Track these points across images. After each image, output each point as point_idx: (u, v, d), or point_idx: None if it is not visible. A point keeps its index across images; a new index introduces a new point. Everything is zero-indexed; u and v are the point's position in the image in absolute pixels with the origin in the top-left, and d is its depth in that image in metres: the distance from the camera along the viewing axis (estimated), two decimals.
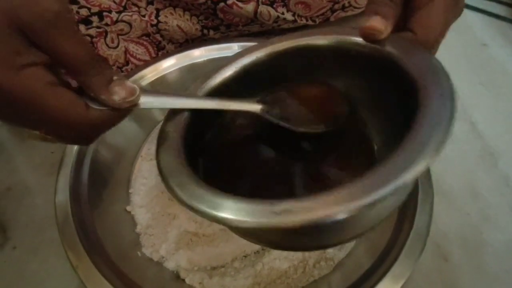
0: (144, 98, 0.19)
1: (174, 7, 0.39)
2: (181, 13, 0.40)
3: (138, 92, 0.18)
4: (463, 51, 0.47)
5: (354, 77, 0.24)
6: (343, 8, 0.44)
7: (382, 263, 0.26)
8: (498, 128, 0.40)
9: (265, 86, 0.25)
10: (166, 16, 0.39)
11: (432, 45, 0.22)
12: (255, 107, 0.23)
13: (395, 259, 0.26)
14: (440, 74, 0.19)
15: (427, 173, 0.29)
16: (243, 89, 0.25)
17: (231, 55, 0.26)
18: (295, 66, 0.25)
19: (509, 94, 0.43)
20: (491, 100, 0.42)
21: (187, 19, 0.40)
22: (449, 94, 0.18)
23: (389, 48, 0.22)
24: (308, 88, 0.25)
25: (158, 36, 0.40)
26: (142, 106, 0.19)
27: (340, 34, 0.24)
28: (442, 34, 0.22)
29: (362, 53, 0.23)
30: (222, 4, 0.37)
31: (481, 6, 0.55)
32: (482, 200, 0.33)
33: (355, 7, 0.45)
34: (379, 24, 0.22)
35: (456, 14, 0.23)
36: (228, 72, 0.25)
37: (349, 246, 0.29)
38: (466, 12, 0.22)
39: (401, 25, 0.23)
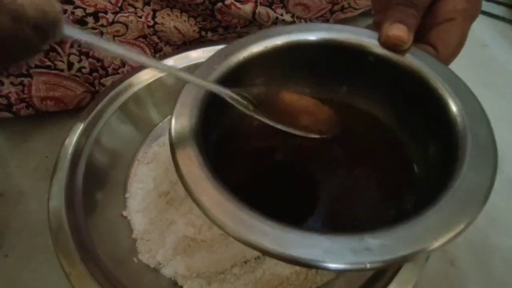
0: (68, 28, 0.14)
1: (171, 8, 0.38)
2: (179, 14, 0.39)
3: (57, 8, 0.13)
4: (464, 51, 0.47)
5: (374, 84, 0.24)
6: (342, 9, 0.44)
7: (387, 269, 0.26)
8: (502, 129, 0.39)
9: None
10: (163, 17, 0.38)
11: (450, 60, 0.22)
12: (223, 91, 0.20)
13: (400, 266, 0.25)
14: (470, 98, 0.20)
15: None
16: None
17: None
18: (313, 62, 0.24)
19: (511, 95, 0.42)
20: (494, 101, 0.41)
21: (185, 21, 0.39)
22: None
23: (413, 61, 0.21)
24: (290, 95, 0.23)
25: (155, 38, 0.39)
26: (64, 31, 0.14)
27: (360, 35, 0.23)
28: (460, 49, 0.22)
29: (381, 61, 0.22)
30: (220, 4, 0.37)
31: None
32: (488, 204, 0.32)
33: (354, 8, 0.44)
34: (405, 34, 0.21)
35: (471, 25, 0.23)
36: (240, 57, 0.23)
37: None
38: None
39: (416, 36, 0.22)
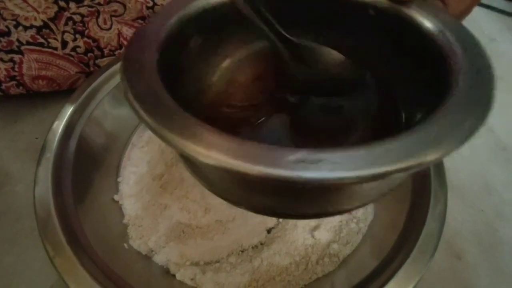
0: None
1: None
2: None
3: None
4: None
5: (372, 37, 0.22)
6: None
7: (391, 261, 0.24)
8: (510, 123, 0.38)
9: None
10: None
11: (460, 17, 0.21)
12: None
13: (406, 258, 0.23)
14: (477, 49, 0.18)
15: (440, 168, 0.27)
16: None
17: None
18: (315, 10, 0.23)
19: None
20: (501, 94, 0.40)
21: None
22: (488, 75, 0.17)
23: (416, 13, 0.20)
24: None
25: None
26: None
27: None
28: (470, 9, 0.21)
29: (383, 14, 0.21)
30: None
31: (487, 2, 0.54)
32: (496, 196, 0.31)
33: None
34: None
35: None
36: None
37: (355, 241, 0.27)
38: None
39: None
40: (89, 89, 0.31)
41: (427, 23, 0.20)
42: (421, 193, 0.27)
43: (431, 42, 0.19)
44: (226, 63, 0.25)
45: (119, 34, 0.36)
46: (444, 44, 0.19)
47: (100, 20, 0.35)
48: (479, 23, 0.50)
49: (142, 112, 0.15)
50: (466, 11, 0.21)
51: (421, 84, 0.21)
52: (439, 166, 0.28)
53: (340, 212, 0.25)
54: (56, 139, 0.28)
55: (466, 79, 0.16)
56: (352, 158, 0.13)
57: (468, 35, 0.19)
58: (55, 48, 0.34)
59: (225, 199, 0.20)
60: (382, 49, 0.22)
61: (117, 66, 0.32)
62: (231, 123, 0.23)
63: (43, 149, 0.27)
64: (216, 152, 0.14)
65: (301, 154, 0.13)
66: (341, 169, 0.13)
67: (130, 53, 0.18)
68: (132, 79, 0.17)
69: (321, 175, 0.13)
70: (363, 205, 0.24)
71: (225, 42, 0.24)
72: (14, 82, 0.34)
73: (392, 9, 0.21)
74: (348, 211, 0.26)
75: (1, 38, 0.32)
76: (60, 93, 0.36)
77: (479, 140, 0.35)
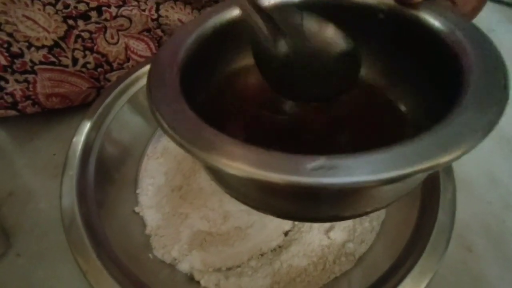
0: None
1: (175, 1, 0.38)
2: (182, 6, 0.38)
3: None
4: None
5: (380, 41, 0.23)
6: None
7: (406, 258, 0.25)
8: (510, 114, 0.39)
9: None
10: (166, 10, 0.37)
11: (470, 17, 0.21)
12: None
13: (420, 254, 0.24)
14: (487, 46, 0.18)
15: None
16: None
17: None
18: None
19: None
20: None
21: (189, 13, 0.39)
22: (501, 73, 0.17)
23: (425, 14, 0.20)
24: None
25: (159, 31, 0.38)
26: None
27: None
28: (480, 7, 0.21)
29: (392, 17, 0.21)
30: None
31: None
32: (502, 188, 0.32)
33: None
34: None
35: None
36: None
37: (369, 240, 0.28)
38: None
39: None
40: (103, 104, 0.31)
41: (437, 23, 0.20)
42: (431, 189, 0.27)
43: (442, 42, 0.19)
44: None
45: (126, 47, 0.37)
46: (455, 44, 0.19)
47: (108, 35, 0.36)
48: (479, 14, 0.51)
49: (167, 128, 0.16)
50: (476, 9, 0.21)
51: (432, 85, 0.21)
52: None
53: (360, 215, 0.26)
54: (77, 156, 0.29)
55: (478, 78, 0.17)
56: (367, 162, 0.14)
57: (478, 33, 0.19)
58: (66, 66, 0.35)
59: (246, 204, 0.21)
60: (391, 51, 0.23)
61: (128, 80, 0.33)
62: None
63: (64, 167, 0.28)
64: (240, 162, 0.14)
65: (319, 161, 0.14)
66: (357, 174, 0.14)
67: (154, 72, 0.20)
68: (157, 96, 0.18)
69: (338, 180, 0.14)
70: (382, 207, 0.25)
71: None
72: (29, 102, 0.34)
73: (401, 11, 0.21)
74: (367, 213, 0.27)
75: (15, 60, 0.32)
76: (73, 108, 0.37)
77: None
